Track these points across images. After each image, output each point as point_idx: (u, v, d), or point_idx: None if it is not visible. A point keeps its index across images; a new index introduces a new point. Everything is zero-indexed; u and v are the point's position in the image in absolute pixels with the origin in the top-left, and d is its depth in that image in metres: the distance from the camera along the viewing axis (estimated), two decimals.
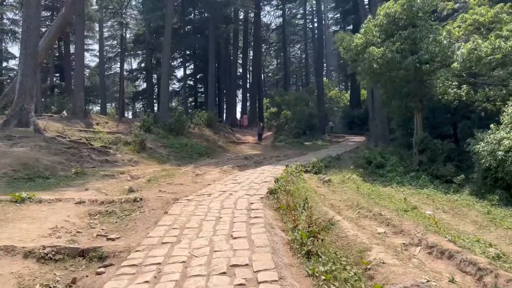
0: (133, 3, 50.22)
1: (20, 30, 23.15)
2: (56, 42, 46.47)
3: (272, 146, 26.07)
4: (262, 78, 56.87)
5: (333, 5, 52.13)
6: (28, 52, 17.54)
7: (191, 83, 52.23)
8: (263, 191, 9.37)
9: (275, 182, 10.05)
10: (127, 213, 8.45)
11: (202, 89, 51.17)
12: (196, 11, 47.26)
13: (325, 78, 44.54)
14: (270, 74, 69.29)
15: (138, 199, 9.22)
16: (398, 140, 17.84)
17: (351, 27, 50.57)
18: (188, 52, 48.64)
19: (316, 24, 44.29)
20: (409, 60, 13.02)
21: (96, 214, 8.45)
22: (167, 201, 9.18)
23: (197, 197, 9.28)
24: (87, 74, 58.89)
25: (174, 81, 54.66)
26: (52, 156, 14.18)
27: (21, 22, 19.79)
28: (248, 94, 46.58)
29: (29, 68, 17.52)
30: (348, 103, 43.37)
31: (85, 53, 58.38)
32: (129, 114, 59.25)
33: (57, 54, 47.23)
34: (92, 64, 58.02)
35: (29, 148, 14.17)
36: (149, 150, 18.82)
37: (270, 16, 65.18)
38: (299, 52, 67.07)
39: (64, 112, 27.01)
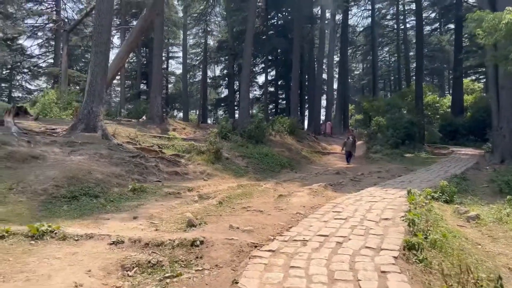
0: (217, 9, 48.79)
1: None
2: (143, 50, 46.69)
3: (366, 158, 21.79)
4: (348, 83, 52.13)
5: (428, 2, 45.84)
6: (98, 50, 15.57)
7: (272, 89, 49.39)
8: (393, 242, 5.59)
9: (409, 225, 6.17)
10: (176, 270, 5.24)
11: (283, 96, 48.02)
12: (279, 14, 44.36)
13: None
14: (354, 80, 64.11)
15: (198, 242, 6.00)
16: None
17: (451, 26, 44.20)
18: (270, 58, 45.91)
19: (413, 23, 38.78)
20: None
21: (132, 268, 5.36)
22: (239, 248, 5.82)
23: (285, 244, 5.79)
24: (172, 81, 59.27)
25: (255, 88, 52.30)
26: (111, 167, 11.69)
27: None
28: (335, 100, 42.45)
29: (99, 68, 15.51)
30: (449, 110, 37.11)
31: (171, 60, 59.04)
32: (211, 121, 58.18)
33: (145, 61, 47.33)
34: (178, 72, 58.01)
35: (87, 157, 11.83)
36: (225, 160, 15.84)
37: (357, 17, 59.94)
38: (387, 55, 61.07)
39: (144, 117, 25.40)
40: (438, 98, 39.21)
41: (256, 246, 5.93)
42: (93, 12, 23.62)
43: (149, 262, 5.52)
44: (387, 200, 8.84)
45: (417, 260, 5.03)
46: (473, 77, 44.43)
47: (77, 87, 35.28)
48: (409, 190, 8.97)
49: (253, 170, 15.97)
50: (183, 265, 5.50)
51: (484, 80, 46.62)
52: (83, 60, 45.73)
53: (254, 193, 11.62)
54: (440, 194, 9.73)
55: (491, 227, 7.62)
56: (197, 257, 5.68)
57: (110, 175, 10.87)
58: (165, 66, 54.81)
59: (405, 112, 30.32)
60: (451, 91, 52.74)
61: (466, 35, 35.62)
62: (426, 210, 7.68)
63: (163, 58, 54.75)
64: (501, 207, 8.39)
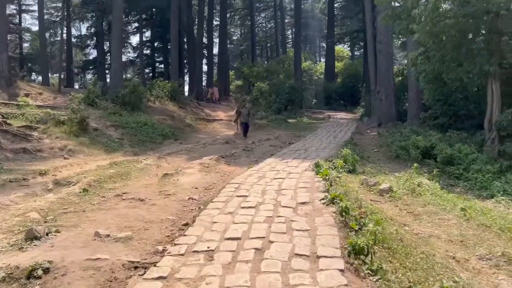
0: None
1: None
2: None
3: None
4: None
5: None
6: None
7: (148, 52, 44.93)
8: (328, 242, 4.11)
9: (341, 215, 4.73)
10: None
11: (161, 59, 44.13)
12: None
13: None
14: (233, 45, 62.69)
15: (40, 272, 3.72)
16: (438, 118, 12.83)
17: None
18: (144, 17, 41.33)
19: None
20: None
21: None
22: (110, 276, 3.73)
23: (182, 261, 3.87)
24: (28, 39, 50.05)
25: (129, 49, 46.97)
26: None
27: None
28: (215, 65, 40.49)
29: None
30: (322, 76, 38.28)
31: (25, 15, 49.46)
32: (79, 86, 51.02)
33: None
34: (35, 29, 48.89)
35: None
36: (93, 132, 12.85)
37: None
38: (263, 22, 60.78)
39: None
40: (312, 65, 40.28)
41: (137, 268, 3.87)
42: None
43: None
44: (294, 175, 7.44)
45: (369, 271, 3.59)
46: (344, 45, 46.67)
47: None
48: (316, 162, 7.75)
49: (130, 142, 13.33)
50: None
51: (349, 48, 49.56)
52: None
53: (131, 173, 9.27)
54: (343, 163, 8.75)
55: (406, 201, 6.79)
56: None
57: None
58: (17, 20, 45.82)
59: (282, 78, 30.06)
60: (321, 59, 55.23)
61: (337, 3, 36.62)
62: (341, 186, 6.47)
63: (14, 11, 45.61)
64: (409, 176, 7.70)
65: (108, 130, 13.64)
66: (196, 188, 7.73)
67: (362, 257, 3.75)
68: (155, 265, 3.77)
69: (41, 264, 3.76)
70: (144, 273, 3.64)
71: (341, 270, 3.48)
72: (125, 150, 12.35)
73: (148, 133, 14.73)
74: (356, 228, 4.55)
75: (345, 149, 9.09)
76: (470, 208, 6.18)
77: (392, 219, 5.78)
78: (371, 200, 6.85)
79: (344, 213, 4.63)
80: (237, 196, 6.04)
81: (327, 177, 6.64)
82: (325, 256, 3.76)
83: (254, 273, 3.50)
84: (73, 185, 7.77)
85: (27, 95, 18.78)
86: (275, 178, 7.18)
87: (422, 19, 8.60)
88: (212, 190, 7.58)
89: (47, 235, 4.66)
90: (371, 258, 3.72)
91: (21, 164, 9.35)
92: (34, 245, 4.38)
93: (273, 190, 6.28)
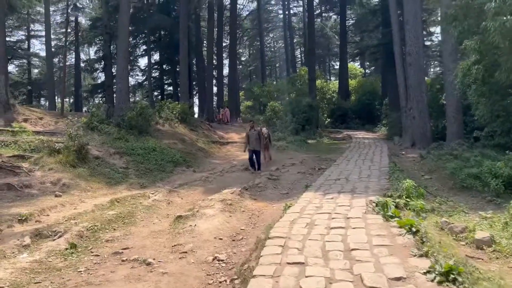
0: None
1: None
2: None
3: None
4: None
5: None
6: None
7: (157, 75, 43.58)
8: None
9: None
10: None
11: (170, 81, 42.66)
12: None
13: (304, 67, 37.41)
14: (242, 66, 61.41)
15: None
16: (494, 138, 10.61)
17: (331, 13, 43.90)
18: (152, 39, 40.15)
19: (296, 10, 36.98)
20: None
21: None
22: None
23: None
24: (36, 64, 49.28)
25: (137, 72, 45.75)
26: None
27: None
28: (225, 86, 38.91)
29: None
30: (335, 95, 36.34)
31: (34, 40, 48.90)
32: (87, 110, 49.71)
33: None
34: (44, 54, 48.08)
35: None
36: (93, 161, 10.91)
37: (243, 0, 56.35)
38: (271, 42, 59.61)
39: None
40: (325, 83, 38.49)
41: None
42: None
43: None
44: (355, 221, 5.37)
45: None
46: (356, 63, 45.00)
47: None
48: (383, 203, 5.67)
49: (136, 172, 11.34)
50: None
51: (360, 66, 47.75)
52: None
53: (137, 214, 7.29)
54: (406, 198, 6.68)
55: None
56: None
57: None
58: (26, 46, 45.29)
59: (294, 97, 28.33)
60: (331, 77, 53.50)
61: (351, 19, 35.02)
62: (439, 245, 4.40)
63: (23, 37, 45.12)
64: (509, 218, 5.62)
65: (112, 158, 11.70)
66: (220, 238, 5.72)
67: None
68: None
69: None
70: None
71: None
72: (130, 181, 10.37)
73: (157, 160, 12.76)
74: None
75: (407, 181, 7.01)
76: None
77: None
78: (467, 256, 4.75)
79: None
80: (289, 263, 3.98)
81: (411, 228, 4.57)
82: None
83: None
84: (59, 236, 5.80)
85: (25, 120, 17.07)
86: (331, 228, 5.12)
87: (493, 14, 6.70)
88: (242, 242, 5.59)
89: None
90: None
91: (0, 206, 7.40)
92: None
93: (339, 252, 4.22)
